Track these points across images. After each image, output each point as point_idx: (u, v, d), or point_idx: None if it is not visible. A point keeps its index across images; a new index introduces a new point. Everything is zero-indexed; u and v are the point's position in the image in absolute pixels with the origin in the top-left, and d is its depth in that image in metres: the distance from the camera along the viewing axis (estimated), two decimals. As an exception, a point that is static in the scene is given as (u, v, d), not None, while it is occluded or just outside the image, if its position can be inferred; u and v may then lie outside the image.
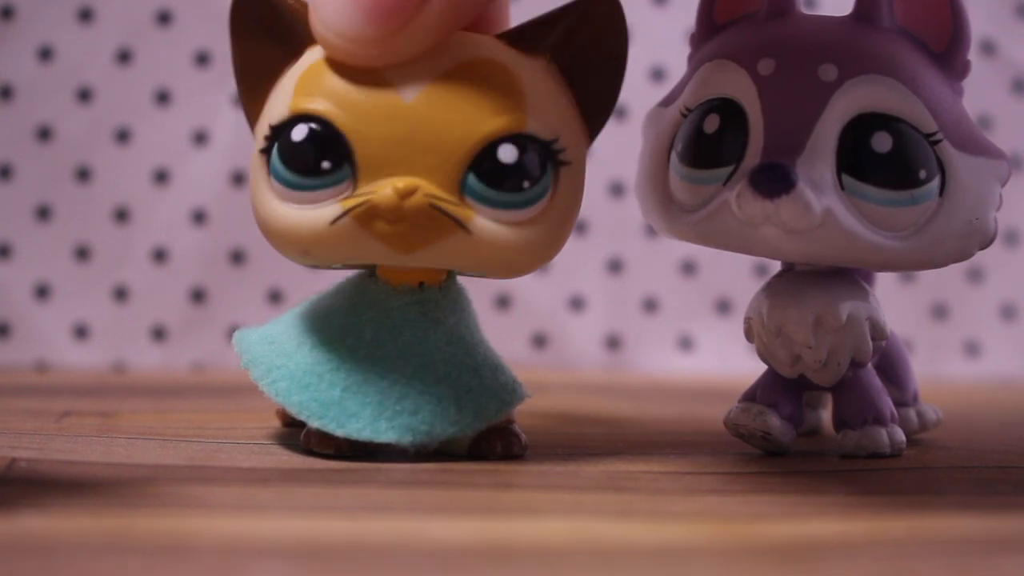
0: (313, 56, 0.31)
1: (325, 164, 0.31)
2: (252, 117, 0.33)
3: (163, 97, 0.59)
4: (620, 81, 0.33)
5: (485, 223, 0.31)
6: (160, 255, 0.59)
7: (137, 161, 0.59)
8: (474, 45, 0.31)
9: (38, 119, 0.59)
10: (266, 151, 0.31)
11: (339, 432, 0.31)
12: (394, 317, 0.32)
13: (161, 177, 0.59)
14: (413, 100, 0.30)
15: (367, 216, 0.30)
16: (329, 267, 0.33)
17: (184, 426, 0.38)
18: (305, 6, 0.32)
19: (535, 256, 0.32)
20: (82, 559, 0.23)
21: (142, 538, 0.24)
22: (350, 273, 0.34)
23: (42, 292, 0.59)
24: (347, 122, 0.31)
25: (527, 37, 0.32)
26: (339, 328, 0.32)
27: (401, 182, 0.30)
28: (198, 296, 0.59)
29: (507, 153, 0.31)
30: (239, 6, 0.32)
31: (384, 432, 0.31)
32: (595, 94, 0.33)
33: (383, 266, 0.32)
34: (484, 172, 0.31)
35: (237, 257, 0.59)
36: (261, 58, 0.32)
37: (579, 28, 0.32)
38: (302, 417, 0.32)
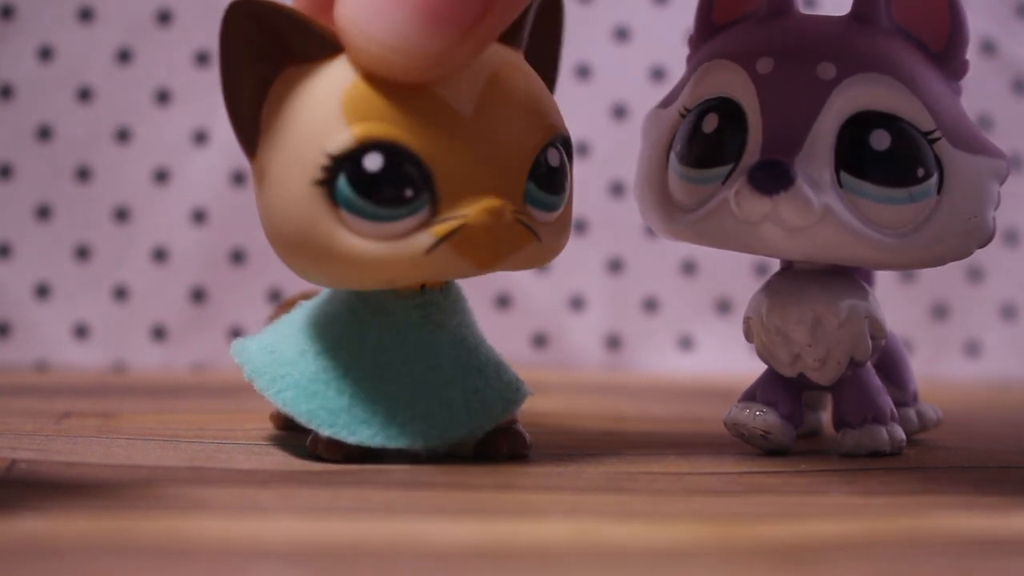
0: (342, 72, 0.30)
1: (408, 192, 0.29)
2: (252, 141, 0.31)
3: (163, 97, 0.59)
4: (559, 59, 0.33)
5: (544, 228, 0.31)
6: (160, 255, 0.59)
7: (137, 161, 0.59)
8: (491, 48, 0.30)
9: (38, 119, 0.59)
10: (326, 182, 0.29)
11: (351, 439, 0.31)
12: (397, 322, 0.32)
13: (161, 177, 0.59)
14: (471, 113, 0.30)
15: (464, 242, 0.30)
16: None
17: (184, 427, 0.38)
18: (292, 12, 0.30)
19: (562, 247, 0.32)
20: (82, 561, 0.23)
21: (142, 540, 0.24)
22: None
23: (42, 292, 0.59)
24: (420, 145, 0.29)
25: (508, 31, 0.31)
26: (341, 334, 0.32)
27: (489, 202, 0.30)
28: (198, 296, 0.59)
29: (553, 157, 0.31)
30: (230, 26, 0.30)
31: (397, 438, 0.31)
32: (544, 75, 0.32)
33: None
34: (539, 178, 0.31)
35: (237, 257, 0.59)
36: (254, 80, 0.30)
37: (538, 12, 0.32)
38: (312, 426, 0.31)
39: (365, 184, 0.29)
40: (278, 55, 0.30)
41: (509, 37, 0.31)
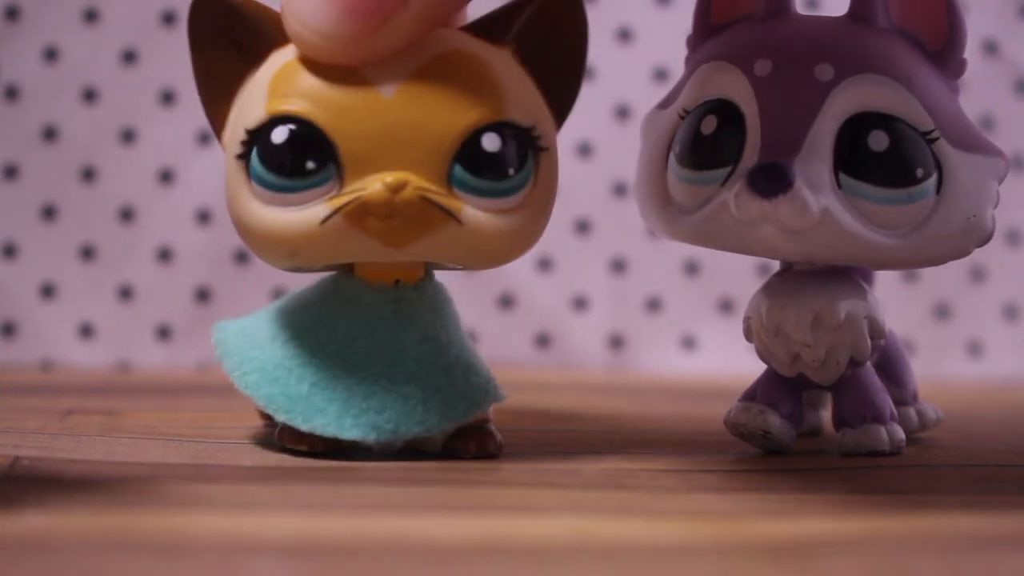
0: (283, 57, 0.31)
1: (310, 164, 0.31)
2: (218, 126, 0.33)
3: (168, 97, 0.60)
4: (582, 69, 0.33)
5: (474, 213, 0.31)
6: (165, 255, 0.59)
7: (142, 161, 0.59)
8: (445, 38, 0.31)
9: (43, 119, 0.59)
10: (244, 156, 0.31)
11: (304, 427, 0.31)
12: (367, 314, 0.32)
13: (166, 177, 0.60)
14: (393, 96, 0.31)
15: (358, 213, 0.30)
16: (313, 269, 0.33)
17: (187, 425, 0.38)
18: (265, 9, 0.32)
19: (520, 243, 0.32)
20: (84, 557, 0.23)
21: (144, 536, 0.24)
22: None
23: (47, 291, 0.59)
24: (328, 121, 0.30)
25: (491, 27, 0.32)
26: (312, 323, 0.33)
27: (390, 176, 0.30)
28: (203, 295, 0.60)
29: (490, 142, 0.31)
30: (197, 17, 0.32)
31: (349, 429, 0.31)
32: (558, 82, 0.33)
33: (362, 263, 0.32)
34: (470, 162, 0.31)
35: (242, 257, 0.60)
36: (223, 66, 0.32)
37: (540, 16, 0.32)
38: (269, 411, 0.32)
39: (270, 155, 0.31)
40: (253, 45, 0.32)
41: (488, 31, 0.32)
